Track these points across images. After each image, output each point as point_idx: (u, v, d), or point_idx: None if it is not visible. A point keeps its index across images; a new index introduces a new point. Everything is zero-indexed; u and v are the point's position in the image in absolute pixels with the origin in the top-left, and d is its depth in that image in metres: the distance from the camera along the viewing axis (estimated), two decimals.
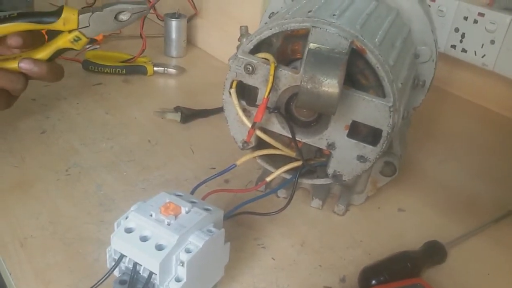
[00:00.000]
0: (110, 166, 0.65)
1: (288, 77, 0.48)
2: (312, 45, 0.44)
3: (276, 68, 0.47)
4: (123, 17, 0.66)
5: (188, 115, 0.76)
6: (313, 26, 0.45)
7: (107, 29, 0.67)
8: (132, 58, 0.90)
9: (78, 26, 0.65)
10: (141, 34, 0.93)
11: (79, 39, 0.66)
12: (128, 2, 0.65)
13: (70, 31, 0.65)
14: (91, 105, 0.79)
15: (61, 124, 0.73)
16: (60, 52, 0.68)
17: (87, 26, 0.66)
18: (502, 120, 0.85)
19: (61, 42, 0.66)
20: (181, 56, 0.98)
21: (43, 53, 0.67)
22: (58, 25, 0.65)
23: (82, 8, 0.67)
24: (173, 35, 0.96)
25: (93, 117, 0.76)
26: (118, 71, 0.89)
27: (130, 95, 0.83)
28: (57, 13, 0.64)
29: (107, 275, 0.43)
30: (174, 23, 0.95)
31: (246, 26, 0.55)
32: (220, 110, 0.78)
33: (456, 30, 0.82)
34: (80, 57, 0.90)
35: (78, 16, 0.64)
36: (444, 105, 0.88)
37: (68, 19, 0.64)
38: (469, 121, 0.86)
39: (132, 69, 0.89)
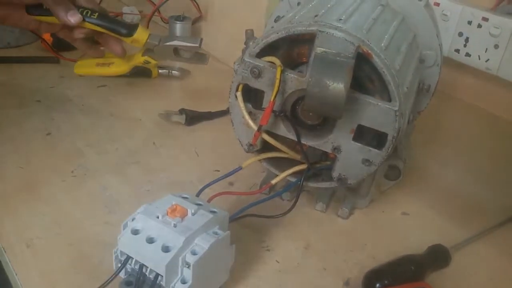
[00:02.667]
0: (115, 168, 0.65)
1: (294, 81, 0.48)
2: (318, 49, 0.45)
3: (282, 72, 0.48)
4: (184, 54, 0.75)
5: (193, 118, 0.77)
6: (319, 31, 0.45)
7: (170, 59, 0.76)
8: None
9: (143, 45, 0.73)
10: None
11: (149, 62, 0.77)
12: (184, 37, 0.76)
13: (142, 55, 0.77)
14: (96, 107, 0.79)
15: (66, 125, 0.73)
16: (136, 68, 0.80)
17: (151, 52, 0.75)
18: (505, 124, 0.85)
19: (137, 61, 0.78)
20: None
21: (123, 68, 0.79)
22: (127, 39, 0.72)
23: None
24: None
25: (98, 119, 0.76)
26: None
27: (135, 97, 0.84)
28: (132, 28, 0.71)
29: (113, 276, 0.44)
30: (178, 25, 0.95)
31: (252, 30, 0.55)
32: (224, 113, 0.79)
33: (460, 34, 0.82)
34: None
35: (147, 39, 0.72)
36: (448, 109, 0.88)
37: (138, 40, 0.72)
38: (472, 125, 0.86)
39: (137, 71, 0.90)
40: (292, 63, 0.51)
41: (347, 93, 0.42)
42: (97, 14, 0.70)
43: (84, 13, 0.68)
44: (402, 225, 0.60)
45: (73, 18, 0.66)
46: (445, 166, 0.72)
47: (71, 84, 0.85)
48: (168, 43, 0.73)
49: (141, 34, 0.71)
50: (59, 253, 0.52)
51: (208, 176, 0.62)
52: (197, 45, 0.73)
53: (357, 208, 0.61)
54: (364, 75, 0.48)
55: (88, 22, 0.69)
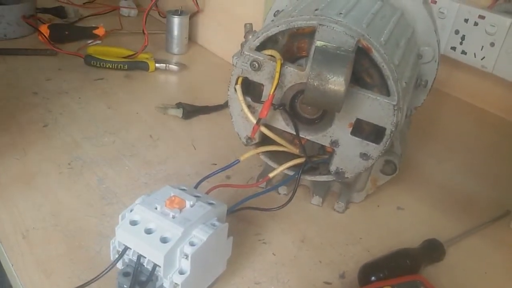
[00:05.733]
0: (112, 160, 0.65)
1: (293, 74, 0.49)
2: (319, 43, 0.45)
3: (282, 65, 0.48)
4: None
5: (190, 111, 0.77)
6: (320, 24, 0.45)
7: None
8: (134, 54, 0.91)
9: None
10: (143, 30, 0.93)
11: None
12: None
13: None
14: (93, 100, 0.79)
15: (63, 118, 0.73)
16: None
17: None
18: (500, 122, 0.86)
19: None
20: (183, 53, 0.99)
21: None
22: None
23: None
24: (175, 32, 0.96)
25: (95, 111, 0.76)
26: (120, 66, 0.89)
27: (132, 90, 0.83)
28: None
29: (110, 266, 0.43)
30: (176, 20, 0.95)
31: (251, 24, 0.55)
32: (221, 107, 0.79)
33: (456, 32, 0.83)
34: (82, 52, 0.90)
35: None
36: (443, 107, 0.89)
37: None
38: (467, 122, 0.86)
39: (134, 65, 0.90)
40: (292, 57, 0.51)
41: (347, 87, 0.43)
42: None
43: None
44: (397, 220, 0.61)
45: None
46: (440, 162, 0.73)
47: (68, 76, 0.85)
48: None
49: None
50: (55, 244, 0.52)
51: (205, 169, 0.62)
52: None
53: (353, 203, 0.62)
54: (363, 69, 0.48)
55: None
